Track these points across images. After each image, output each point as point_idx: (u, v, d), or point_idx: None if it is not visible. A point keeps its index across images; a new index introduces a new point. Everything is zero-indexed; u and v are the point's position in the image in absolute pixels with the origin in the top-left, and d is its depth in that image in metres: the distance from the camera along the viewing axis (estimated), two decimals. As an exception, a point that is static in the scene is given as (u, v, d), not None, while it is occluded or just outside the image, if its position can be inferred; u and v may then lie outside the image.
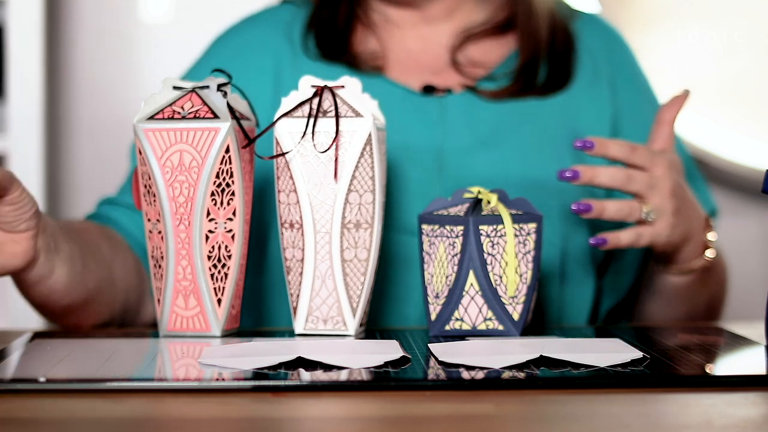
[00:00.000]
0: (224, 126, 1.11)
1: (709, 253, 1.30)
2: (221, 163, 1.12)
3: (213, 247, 1.13)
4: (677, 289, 1.34)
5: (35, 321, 1.89)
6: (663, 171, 1.23)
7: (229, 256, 1.14)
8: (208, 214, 1.12)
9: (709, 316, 1.42)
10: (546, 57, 1.41)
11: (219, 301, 1.13)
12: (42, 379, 0.91)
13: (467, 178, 1.31)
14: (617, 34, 1.49)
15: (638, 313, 1.43)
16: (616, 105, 1.42)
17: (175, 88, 1.16)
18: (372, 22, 1.43)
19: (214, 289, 1.13)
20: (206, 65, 1.42)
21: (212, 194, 1.12)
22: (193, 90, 1.14)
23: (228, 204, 1.13)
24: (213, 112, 1.12)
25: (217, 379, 0.92)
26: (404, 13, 1.43)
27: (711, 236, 1.31)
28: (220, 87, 1.14)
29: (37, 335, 1.14)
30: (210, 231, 1.13)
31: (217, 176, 1.12)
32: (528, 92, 1.40)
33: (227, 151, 1.12)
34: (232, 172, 1.12)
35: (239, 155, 1.13)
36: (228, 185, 1.12)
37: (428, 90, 1.38)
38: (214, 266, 1.13)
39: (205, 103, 1.13)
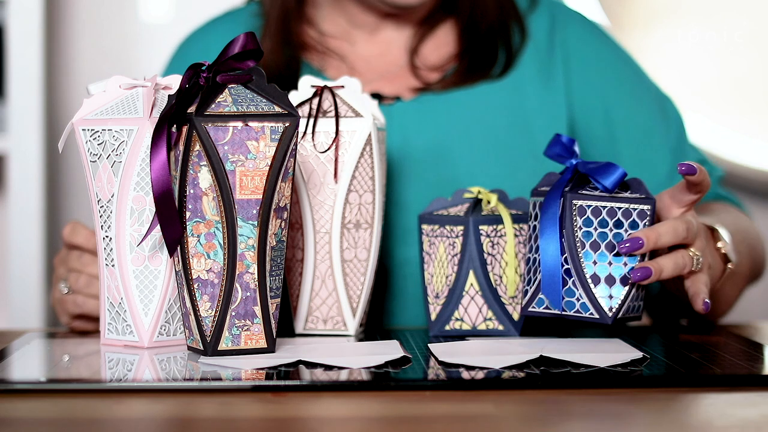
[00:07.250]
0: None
1: (731, 264, 1.18)
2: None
3: None
4: (714, 296, 1.23)
5: (35, 321, 1.89)
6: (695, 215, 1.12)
7: None
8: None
9: (754, 279, 1.37)
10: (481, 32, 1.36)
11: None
12: (42, 379, 0.91)
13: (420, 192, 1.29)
14: (563, 7, 1.41)
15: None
16: (570, 88, 1.36)
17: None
18: (329, 48, 1.37)
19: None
20: (171, 71, 1.38)
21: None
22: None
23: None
24: None
25: (217, 379, 0.92)
26: (377, 19, 1.37)
27: (721, 244, 1.18)
28: None
29: (37, 335, 1.14)
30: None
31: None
32: (473, 72, 1.35)
33: None
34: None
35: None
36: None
37: (375, 98, 1.31)
38: None
39: None
